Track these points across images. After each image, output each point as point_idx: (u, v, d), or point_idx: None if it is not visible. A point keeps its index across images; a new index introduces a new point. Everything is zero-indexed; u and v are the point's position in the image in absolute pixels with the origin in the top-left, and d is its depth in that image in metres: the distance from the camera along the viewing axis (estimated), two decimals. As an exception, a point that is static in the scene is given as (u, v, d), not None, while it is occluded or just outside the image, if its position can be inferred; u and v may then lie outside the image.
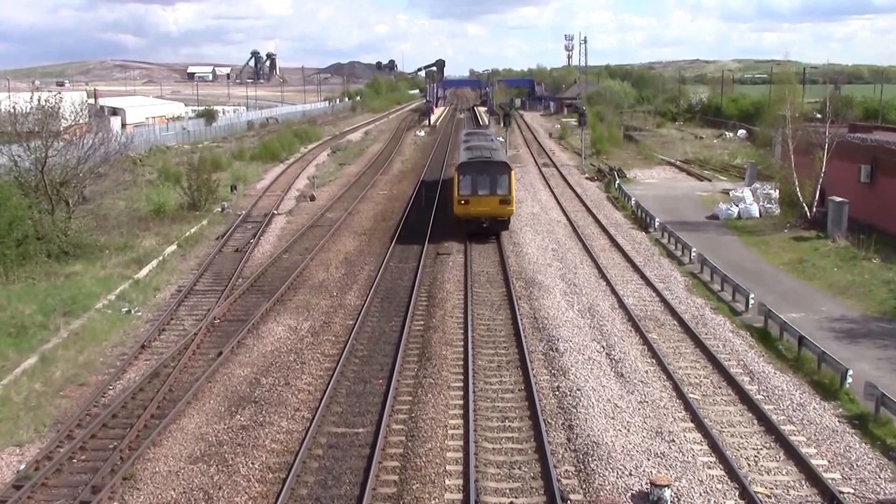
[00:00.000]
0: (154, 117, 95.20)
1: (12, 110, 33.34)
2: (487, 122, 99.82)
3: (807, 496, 13.77)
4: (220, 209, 40.69)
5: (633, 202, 41.47)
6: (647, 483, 13.68)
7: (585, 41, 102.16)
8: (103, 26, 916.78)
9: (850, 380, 17.88)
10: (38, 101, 33.34)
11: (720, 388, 18.34)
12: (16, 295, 24.32)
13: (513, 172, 33.60)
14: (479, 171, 32.86)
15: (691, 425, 16.39)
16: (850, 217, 32.95)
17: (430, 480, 14.10)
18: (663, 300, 24.95)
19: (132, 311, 24.13)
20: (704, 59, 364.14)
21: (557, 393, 17.74)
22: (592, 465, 14.47)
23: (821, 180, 35.72)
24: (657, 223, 36.13)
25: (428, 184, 48.57)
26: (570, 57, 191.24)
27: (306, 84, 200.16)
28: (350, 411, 17.12)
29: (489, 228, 32.94)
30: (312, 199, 44.67)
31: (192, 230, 35.37)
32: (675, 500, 13.36)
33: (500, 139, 61.78)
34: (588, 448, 15.06)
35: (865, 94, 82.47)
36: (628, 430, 15.88)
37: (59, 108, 34.04)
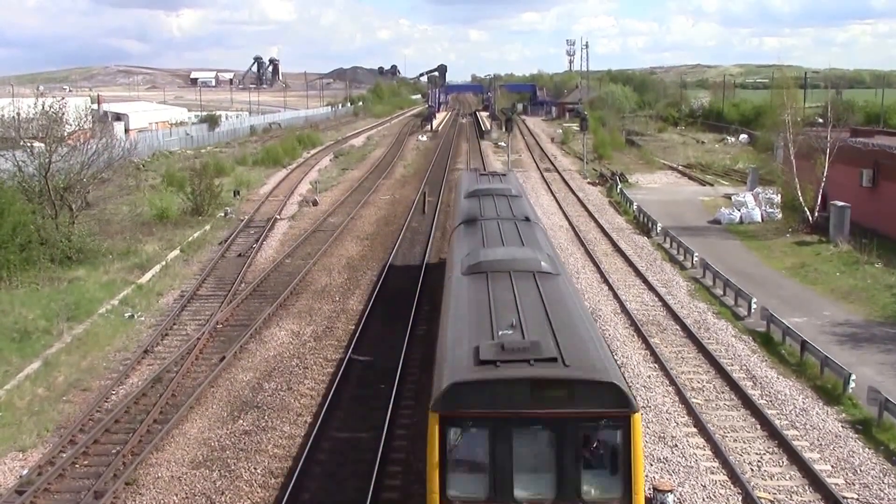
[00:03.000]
0: (157, 122, 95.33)
1: (16, 115, 33.44)
2: (489, 127, 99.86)
3: (810, 501, 13.76)
4: (222, 214, 40.74)
5: (634, 207, 41.49)
6: (650, 488, 13.65)
7: (587, 46, 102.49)
8: (107, 32, 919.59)
9: (853, 384, 17.85)
10: (42, 106, 33.44)
11: (723, 392, 18.33)
12: (19, 300, 24.36)
13: (637, 419, 10.03)
14: (518, 426, 10.05)
15: (694, 430, 16.38)
16: (852, 221, 32.93)
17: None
18: (665, 305, 24.94)
19: (135, 316, 24.15)
20: (706, 64, 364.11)
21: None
22: (595, 470, 14.39)
23: (822, 185, 35.73)
24: (659, 228, 36.15)
25: (431, 185, 48.59)
26: (571, 62, 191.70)
27: (309, 89, 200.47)
28: (353, 415, 17.14)
29: None
30: (315, 203, 44.72)
31: (195, 235, 35.41)
32: (678, 505, 13.32)
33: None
34: (591, 453, 14.98)
35: (867, 99, 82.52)
36: (631, 435, 15.82)
37: (63, 113, 34.11)
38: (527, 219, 19.42)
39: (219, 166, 54.81)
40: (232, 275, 28.72)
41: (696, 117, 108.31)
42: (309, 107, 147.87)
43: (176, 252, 32.18)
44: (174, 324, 23.42)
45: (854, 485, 14.30)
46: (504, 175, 29.05)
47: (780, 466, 14.95)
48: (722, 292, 26.56)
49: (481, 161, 65.57)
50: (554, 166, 62.80)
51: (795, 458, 15.03)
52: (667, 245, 34.01)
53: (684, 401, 17.64)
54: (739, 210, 39.44)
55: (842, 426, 16.61)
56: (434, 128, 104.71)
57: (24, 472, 14.84)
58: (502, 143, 75.61)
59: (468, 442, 10.14)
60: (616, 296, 25.85)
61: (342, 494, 13.99)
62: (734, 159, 64.94)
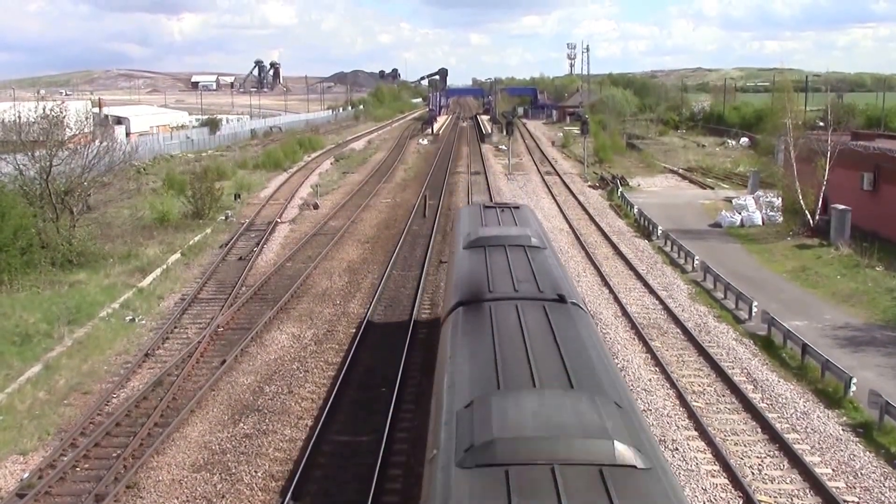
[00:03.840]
0: (158, 126, 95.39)
1: (17, 119, 33.49)
2: (490, 131, 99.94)
3: (811, 505, 13.76)
4: (223, 218, 40.77)
5: (635, 210, 41.50)
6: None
7: (588, 50, 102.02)
8: (108, 36, 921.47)
9: (853, 388, 17.84)
10: (43, 110, 33.49)
11: (724, 396, 18.32)
12: (20, 303, 24.38)
13: None
14: None
15: (695, 434, 16.37)
16: (853, 225, 32.94)
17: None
18: (666, 308, 24.94)
19: (136, 320, 24.16)
20: (706, 68, 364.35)
21: (561, 401, 17.66)
22: (596, 474, 14.39)
23: (823, 188, 35.73)
24: (660, 231, 36.15)
25: (432, 189, 48.64)
26: (572, 65, 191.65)
27: (310, 93, 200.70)
28: (354, 419, 17.14)
29: None
30: (316, 207, 44.75)
31: (196, 239, 35.42)
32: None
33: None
34: (591, 456, 14.97)
35: (868, 102, 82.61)
36: (632, 439, 15.82)
37: (64, 116, 34.16)
38: (561, 298, 11.84)
39: (219, 170, 54.78)
40: (233, 278, 28.73)
41: (697, 121, 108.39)
42: (310, 110, 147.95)
43: (177, 255, 32.20)
44: (175, 327, 23.42)
45: (855, 488, 14.29)
46: (517, 208, 20.36)
47: (781, 470, 14.94)
48: (723, 296, 26.55)
49: (482, 164, 65.67)
50: (555, 169, 62.83)
51: (796, 462, 15.02)
52: (667, 248, 34.00)
53: (685, 404, 17.63)
54: (740, 213, 39.43)
55: (843, 429, 16.60)
56: (435, 131, 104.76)
57: (25, 475, 14.84)
58: (503, 147, 75.67)
59: None
60: (617, 299, 25.85)
61: (343, 496, 14.00)
62: (735, 163, 64.97)
